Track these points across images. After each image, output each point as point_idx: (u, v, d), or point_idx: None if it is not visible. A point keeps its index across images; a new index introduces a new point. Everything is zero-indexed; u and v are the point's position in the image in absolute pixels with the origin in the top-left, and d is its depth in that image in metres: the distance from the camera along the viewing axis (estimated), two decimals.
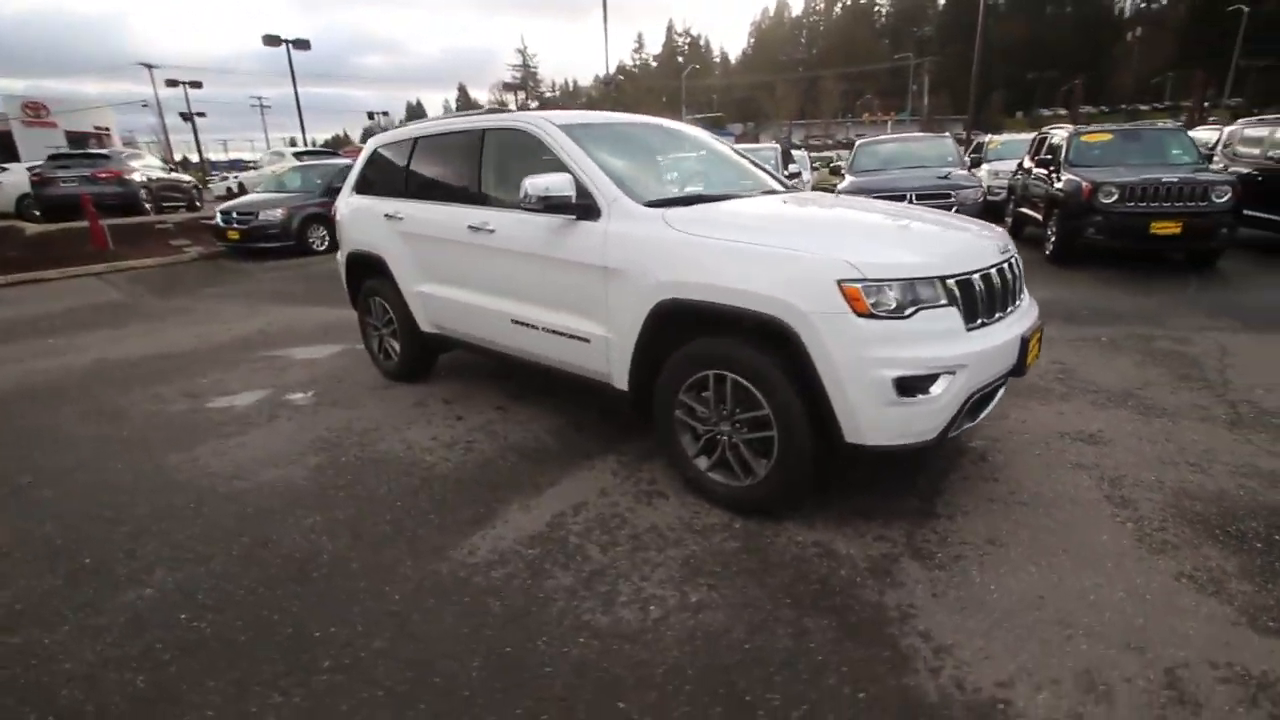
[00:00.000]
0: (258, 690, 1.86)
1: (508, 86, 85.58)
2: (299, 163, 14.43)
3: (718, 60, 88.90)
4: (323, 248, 11.32)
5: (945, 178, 8.72)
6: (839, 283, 2.20)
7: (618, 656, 1.94)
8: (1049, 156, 8.66)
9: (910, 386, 2.21)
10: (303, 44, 24.74)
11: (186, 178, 20.03)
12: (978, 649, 1.92)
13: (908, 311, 2.21)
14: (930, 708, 1.73)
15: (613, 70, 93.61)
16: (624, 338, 2.83)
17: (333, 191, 11.44)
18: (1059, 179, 7.91)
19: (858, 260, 2.23)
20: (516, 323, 3.34)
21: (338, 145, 60.87)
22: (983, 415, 2.60)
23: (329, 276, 9.38)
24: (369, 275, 4.47)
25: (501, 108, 3.67)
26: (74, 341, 6.00)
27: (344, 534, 2.65)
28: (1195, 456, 3.00)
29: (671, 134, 3.85)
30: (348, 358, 5.22)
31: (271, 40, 24.09)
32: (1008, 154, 12.78)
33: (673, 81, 63.51)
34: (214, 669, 1.95)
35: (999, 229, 2.95)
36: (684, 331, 2.65)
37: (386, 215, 4.08)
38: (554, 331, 3.15)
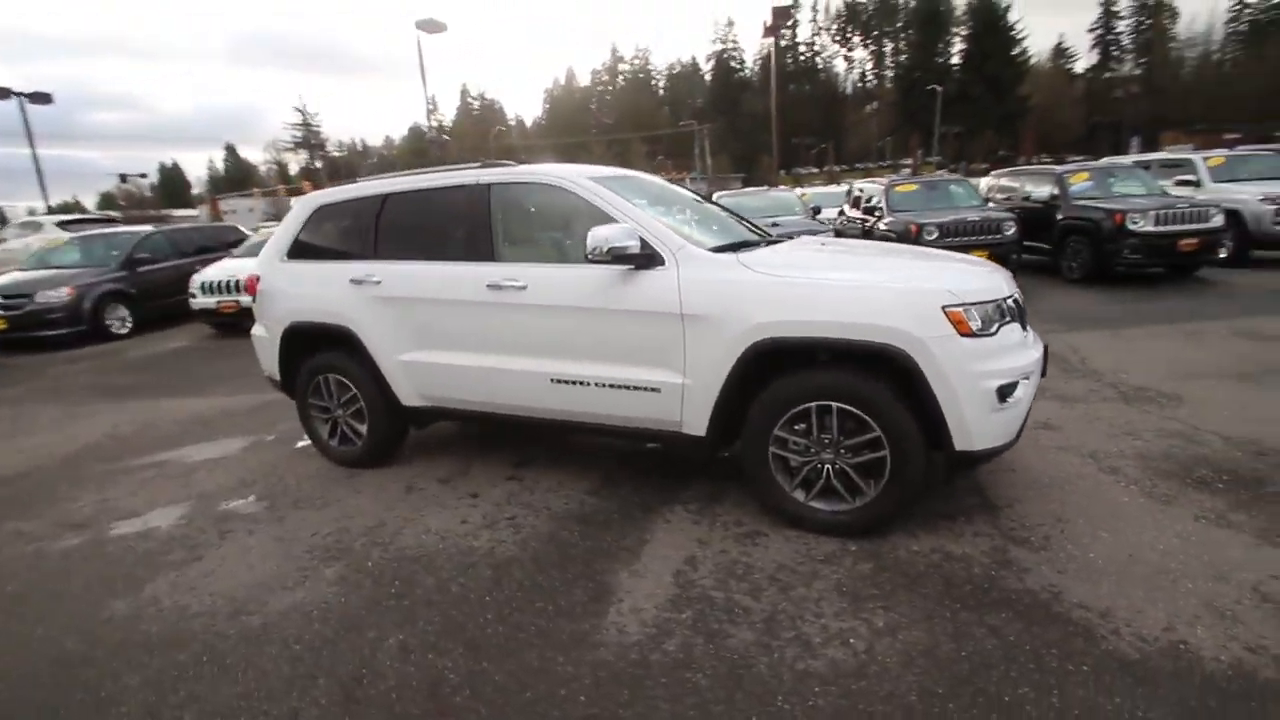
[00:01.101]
0: None
1: (296, 145, 78.73)
2: (72, 233, 11.84)
3: (513, 124, 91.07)
4: (125, 330, 9.37)
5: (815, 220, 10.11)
6: (944, 308, 2.48)
7: (863, 695, 1.91)
8: (870, 204, 10.29)
9: (1005, 393, 2.53)
10: (42, 98, 20.32)
11: None
12: (1127, 606, 2.22)
13: (993, 329, 2.55)
14: (1138, 663, 1.96)
15: (405, 130, 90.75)
16: (706, 383, 2.82)
17: (135, 263, 9.65)
18: (883, 221, 9.43)
19: (953, 288, 2.53)
20: (560, 382, 3.15)
21: (67, 211, 51.05)
22: None
23: (161, 361, 7.91)
24: (318, 350, 3.88)
25: (499, 163, 3.48)
26: None
27: (453, 646, 2.25)
28: (1126, 429, 3.77)
29: (664, 187, 3.96)
30: (268, 450, 4.40)
31: None
32: (817, 204, 14.86)
33: (475, 142, 63.76)
34: None
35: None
36: (775, 370, 2.74)
37: (354, 280, 3.60)
38: (613, 385, 3.03)
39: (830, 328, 2.57)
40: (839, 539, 2.74)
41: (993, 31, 56.06)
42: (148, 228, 11.25)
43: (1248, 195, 8.68)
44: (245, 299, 8.69)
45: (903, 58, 71.64)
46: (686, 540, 2.85)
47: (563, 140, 63.62)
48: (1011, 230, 8.52)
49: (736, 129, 74.15)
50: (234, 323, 9.24)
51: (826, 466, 2.73)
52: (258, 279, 4.06)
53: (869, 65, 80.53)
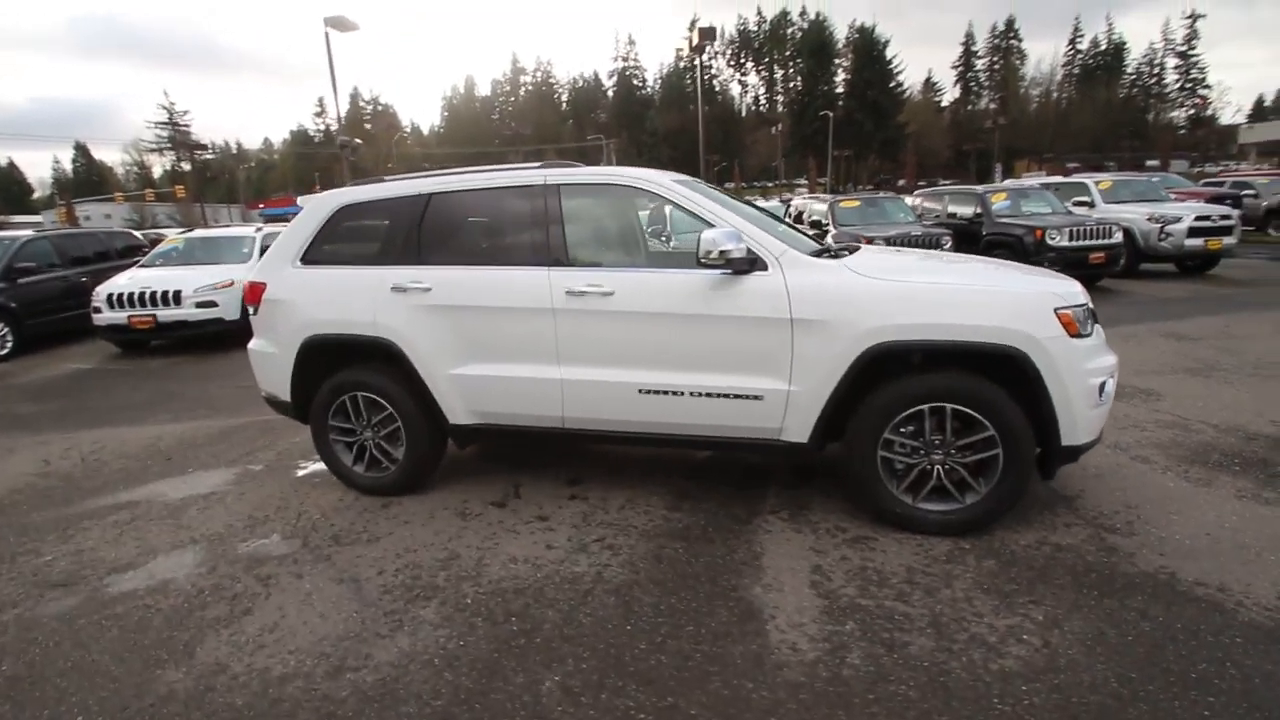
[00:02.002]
0: None
1: (162, 146, 70.72)
2: None
3: (409, 130, 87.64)
4: (3, 351, 8.00)
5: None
6: (1055, 310, 2.61)
7: (1071, 688, 1.94)
8: (815, 218, 10.78)
9: (1102, 389, 2.70)
10: None
11: None
12: (1236, 580, 2.41)
13: (1089, 330, 2.71)
14: (1277, 629, 2.14)
15: (288, 133, 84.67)
16: (814, 389, 2.80)
17: (16, 273, 8.31)
18: (830, 235, 9.90)
19: (1058, 291, 2.67)
20: (649, 392, 3.00)
21: None
22: None
23: (63, 387, 6.89)
24: (342, 366, 3.47)
25: (562, 163, 3.28)
26: None
27: (623, 682, 2.06)
28: (1128, 422, 4.14)
29: (719, 192, 3.90)
30: (266, 482, 3.88)
31: None
32: None
33: (369, 148, 60.52)
34: None
35: None
36: (880, 375, 2.77)
37: (397, 288, 3.26)
38: (709, 394, 2.93)
39: (951, 330, 2.63)
40: (949, 539, 2.79)
41: (873, 63, 60.93)
42: (28, 232, 9.67)
43: (1136, 215, 9.94)
44: (167, 313, 7.72)
45: (792, 84, 76.27)
46: (800, 550, 2.79)
47: (464, 150, 61.87)
48: (949, 244, 9.23)
49: (640, 145, 75.49)
50: (142, 341, 8.17)
51: (937, 468, 2.78)
52: (261, 286, 3.59)
53: (761, 90, 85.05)
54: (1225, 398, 4.44)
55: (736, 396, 2.91)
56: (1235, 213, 9.89)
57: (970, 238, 10.05)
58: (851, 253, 3.13)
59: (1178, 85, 64.91)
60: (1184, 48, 64.21)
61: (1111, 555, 2.63)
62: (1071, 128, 58.69)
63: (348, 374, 3.46)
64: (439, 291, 3.22)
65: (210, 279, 8.10)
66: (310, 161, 75.41)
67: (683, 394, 2.97)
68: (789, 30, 75.25)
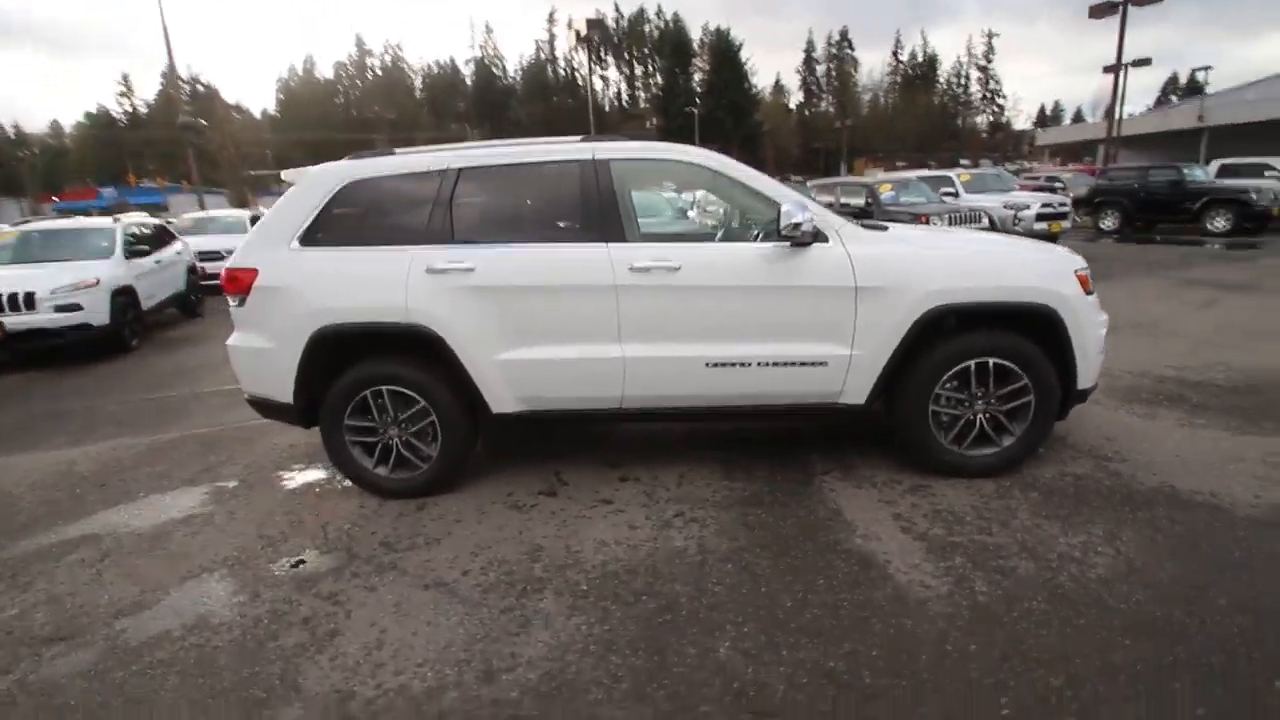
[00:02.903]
0: None
1: None
2: None
3: (238, 114, 78.55)
4: None
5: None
6: (1075, 272, 3.00)
7: (1155, 583, 2.27)
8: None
9: (1103, 340, 3.15)
10: None
11: None
12: (1217, 488, 2.91)
13: (1092, 290, 3.15)
14: (1267, 520, 2.64)
15: (84, 114, 72.32)
16: (875, 352, 2.99)
17: None
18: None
19: (1074, 257, 3.07)
20: (717, 365, 3.03)
21: None
22: None
23: None
24: (362, 358, 3.14)
25: (606, 137, 3.16)
26: None
27: (793, 638, 2.11)
28: None
29: None
30: (254, 498, 3.42)
31: None
32: None
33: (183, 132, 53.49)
34: None
35: None
36: (929, 337, 3.02)
37: (433, 269, 3.00)
38: (776, 364, 3.02)
39: (997, 292, 2.94)
40: (992, 480, 3.11)
41: (728, 64, 64.11)
42: None
43: (994, 203, 11.45)
44: (18, 319, 6.41)
45: (653, 81, 78.21)
46: (871, 503, 2.98)
47: (305, 135, 56.48)
48: (986, 222, 10.09)
49: (504, 135, 73.38)
50: None
51: (980, 417, 3.09)
52: (250, 273, 3.14)
53: (623, 85, 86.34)
54: (1126, 351, 5.28)
55: (802, 364, 3.03)
56: (1069, 201, 11.73)
57: None
58: (885, 229, 3.36)
59: (980, 95, 75.22)
60: (984, 62, 74.41)
61: (1119, 479, 3.09)
62: (899, 130, 65.78)
63: (370, 367, 3.13)
64: (483, 272, 3.01)
65: (70, 278, 6.82)
66: (115, 148, 65.01)
67: (750, 365, 3.04)
68: (647, 28, 76.94)
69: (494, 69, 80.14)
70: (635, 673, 2.00)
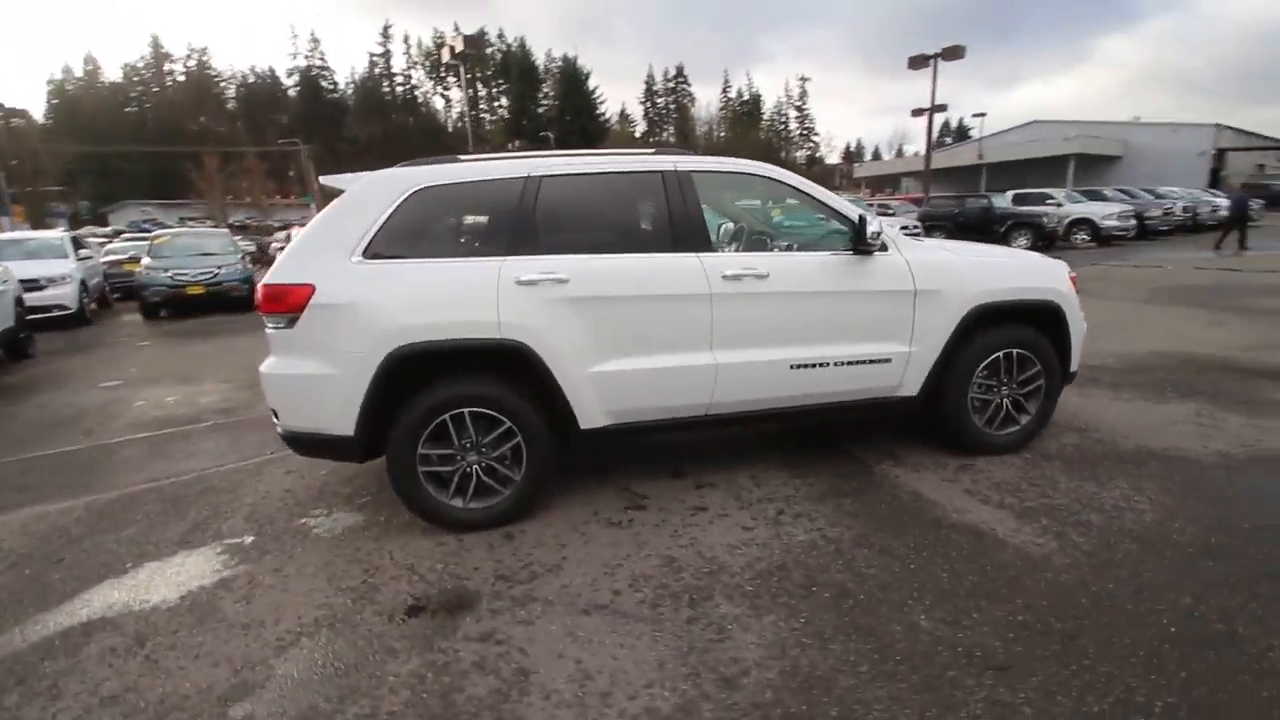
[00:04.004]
0: None
1: None
2: None
3: (19, 120, 65.27)
4: None
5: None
6: (1068, 275, 3.61)
7: (1190, 518, 2.81)
8: None
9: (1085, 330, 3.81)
10: None
11: None
12: (1184, 445, 3.62)
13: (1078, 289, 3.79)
14: (1236, 459, 3.37)
15: None
16: (929, 348, 3.36)
17: None
18: None
19: (1064, 264, 3.68)
20: (800, 367, 3.21)
21: None
22: None
23: None
24: (440, 380, 2.89)
25: (676, 149, 3.18)
26: None
27: (984, 603, 2.32)
28: None
29: None
30: (296, 552, 2.98)
31: None
32: None
33: None
34: None
35: None
36: (970, 332, 3.45)
37: (524, 280, 2.86)
38: (850, 363, 3.27)
39: (1020, 292, 3.45)
40: (1016, 455, 3.60)
41: (578, 92, 65.54)
42: None
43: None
44: None
45: (497, 104, 77.55)
46: (939, 482, 3.31)
47: (89, 148, 48.08)
48: None
49: (337, 154, 68.33)
50: None
51: (1005, 400, 3.58)
52: (306, 290, 2.76)
53: (466, 107, 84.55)
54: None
55: (871, 361, 3.31)
56: (919, 225, 13.62)
57: None
58: (923, 241, 3.81)
59: (798, 131, 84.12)
60: (799, 103, 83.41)
61: (1105, 444, 3.73)
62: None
63: (450, 388, 2.89)
64: (578, 283, 2.92)
65: None
66: None
67: (828, 365, 3.26)
68: (490, 50, 76.26)
69: (323, 81, 74.47)
70: (864, 655, 2.08)
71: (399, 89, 79.70)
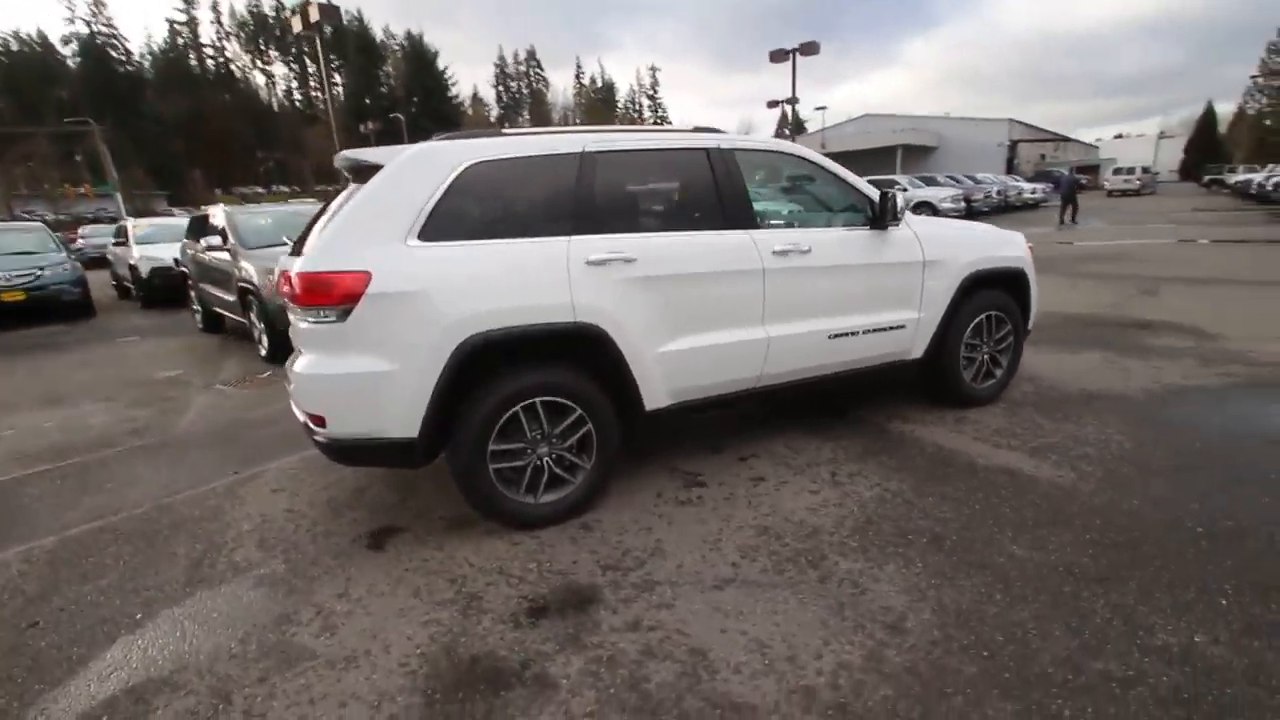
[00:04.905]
0: None
1: None
2: None
3: None
4: None
5: None
6: (1027, 244, 4.13)
7: (1163, 446, 3.39)
8: None
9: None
10: None
11: None
12: (1153, 388, 4.34)
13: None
14: (1216, 392, 4.09)
15: None
16: (933, 313, 3.70)
17: None
18: None
19: (1020, 234, 4.21)
20: (836, 336, 3.39)
21: None
22: None
23: None
24: (506, 371, 2.70)
25: (708, 128, 3.12)
26: None
27: (1063, 532, 2.63)
28: None
29: None
30: (350, 574, 2.67)
31: None
32: None
33: None
34: None
35: None
36: (962, 298, 3.85)
37: (594, 260, 2.74)
38: (874, 330, 3.52)
39: (999, 260, 3.90)
40: (996, 404, 4.08)
41: (427, 72, 61.80)
42: None
43: None
44: None
45: (335, 80, 70.97)
46: (952, 435, 3.66)
47: None
48: None
49: (139, 137, 58.87)
50: None
51: (985, 357, 4.03)
52: (363, 277, 2.44)
53: (294, 84, 76.48)
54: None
55: (891, 328, 3.59)
56: None
57: None
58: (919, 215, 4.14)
59: (652, 120, 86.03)
60: (651, 92, 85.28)
61: (1057, 389, 4.33)
62: None
63: (525, 378, 2.71)
64: (645, 262, 2.86)
65: None
66: None
67: (858, 333, 3.48)
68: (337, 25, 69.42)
69: (111, 50, 63.45)
70: (992, 586, 2.30)
71: (210, 62, 70.30)
